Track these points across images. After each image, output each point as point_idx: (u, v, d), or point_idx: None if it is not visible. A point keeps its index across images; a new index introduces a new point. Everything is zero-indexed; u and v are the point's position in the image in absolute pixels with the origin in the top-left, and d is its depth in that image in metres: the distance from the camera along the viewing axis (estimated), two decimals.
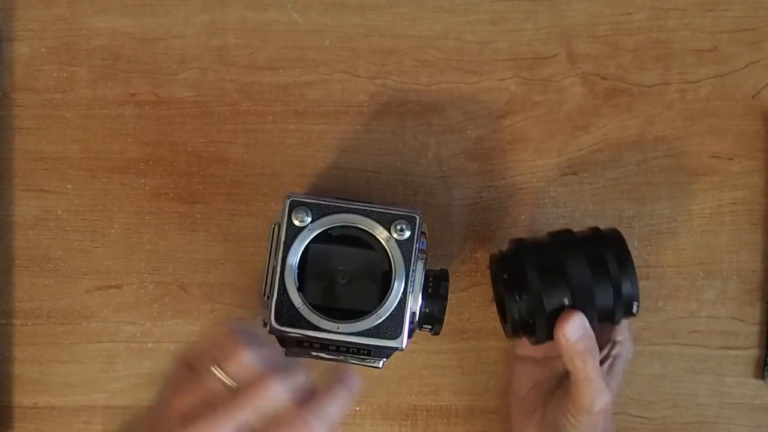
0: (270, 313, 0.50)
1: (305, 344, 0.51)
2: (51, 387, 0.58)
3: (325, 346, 0.51)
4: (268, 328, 0.50)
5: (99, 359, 0.58)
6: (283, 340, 0.51)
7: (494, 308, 0.56)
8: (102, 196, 0.59)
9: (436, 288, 0.51)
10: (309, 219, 0.50)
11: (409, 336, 0.50)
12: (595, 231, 0.53)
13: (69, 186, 0.59)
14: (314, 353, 0.52)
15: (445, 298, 0.51)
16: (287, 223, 0.50)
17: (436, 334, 0.52)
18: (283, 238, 0.50)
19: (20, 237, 0.58)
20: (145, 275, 0.58)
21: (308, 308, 0.49)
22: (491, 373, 0.59)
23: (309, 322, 0.49)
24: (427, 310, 0.51)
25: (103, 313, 0.58)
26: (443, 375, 0.59)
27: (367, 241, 0.50)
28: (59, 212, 0.59)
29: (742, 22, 0.60)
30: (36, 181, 0.58)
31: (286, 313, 0.50)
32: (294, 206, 0.50)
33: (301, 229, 0.50)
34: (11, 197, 0.58)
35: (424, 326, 0.52)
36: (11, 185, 0.58)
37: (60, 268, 0.58)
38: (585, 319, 0.49)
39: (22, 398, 0.58)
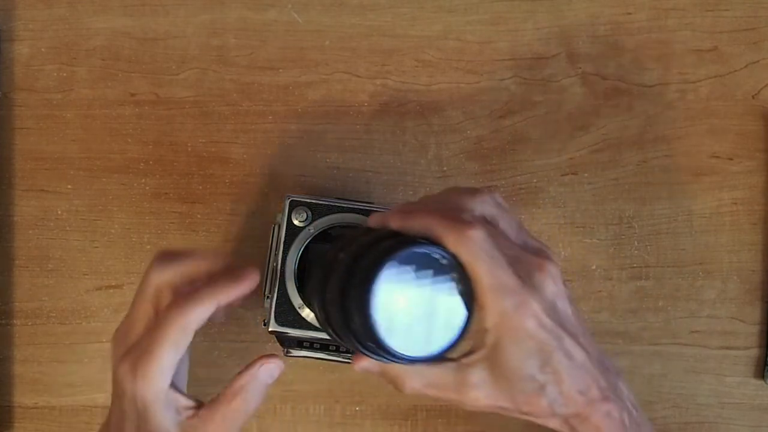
0: (270, 313, 0.50)
1: (305, 344, 0.51)
2: (51, 387, 0.58)
3: (325, 346, 0.51)
4: (268, 328, 0.50)
5: (99, 359, 0.58)
6: (283, 339, 0.51)
7: None
8: (102, 196, 0.59)
9: None
10: (309, 219, 0.50)
11: None
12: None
13: (69, 186, 0.59)
14: (314, 353, 0.52)
15: None
16: (287, 223, 0.50)
17: None
18: (283, 238, 0.50)
19: (20, 237, 0.58)
20: None
21: (308, 308, 0.49)
22: None
23: (309, 322, 0.49)
24: None
25: (103, 313, 0.58)
26: None
27: None
28: (59, 212, 0.58)
29: (742, 22, 0.60)
30: (36, 181, 0.58)
31: (286, 313, 0.49)
32: (294, 206, 0.50)
33: (301, 229, 0.50)
34: (11, 197, 0.58)
35: None
36: (11, 185, 0.58)
37: (60, 268, 0.58)
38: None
39: (22, 398, 0.58)
